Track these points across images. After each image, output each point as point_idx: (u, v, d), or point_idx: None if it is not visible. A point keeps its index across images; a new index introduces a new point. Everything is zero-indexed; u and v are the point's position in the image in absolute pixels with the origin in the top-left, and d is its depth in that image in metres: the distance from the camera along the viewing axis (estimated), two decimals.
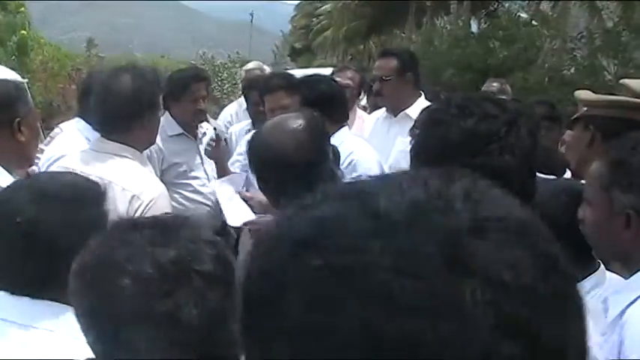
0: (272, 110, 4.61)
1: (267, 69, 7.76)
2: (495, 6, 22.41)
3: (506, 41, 15.75)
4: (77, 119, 4.45)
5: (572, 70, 12.83)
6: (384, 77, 4.90)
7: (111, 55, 27.37)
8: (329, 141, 2.35)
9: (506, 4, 22.76)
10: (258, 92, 4.91)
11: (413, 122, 4.52)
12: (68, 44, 24.54)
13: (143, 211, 3.06)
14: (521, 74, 13.54)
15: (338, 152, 2.40)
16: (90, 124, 4.14)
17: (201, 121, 5.17)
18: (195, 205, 4.95)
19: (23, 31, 14.65)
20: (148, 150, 4.92)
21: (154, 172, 4.91)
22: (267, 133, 2.32)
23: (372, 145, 4.61)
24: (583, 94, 3.20)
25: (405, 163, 4.73)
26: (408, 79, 4.91)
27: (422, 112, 3.72)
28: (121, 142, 3.25)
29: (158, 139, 4.99)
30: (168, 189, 4.97)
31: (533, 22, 16.03)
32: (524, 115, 1.58)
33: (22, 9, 15.14)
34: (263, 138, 2.31)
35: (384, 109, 5.20)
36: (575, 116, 3.20)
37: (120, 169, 3.19)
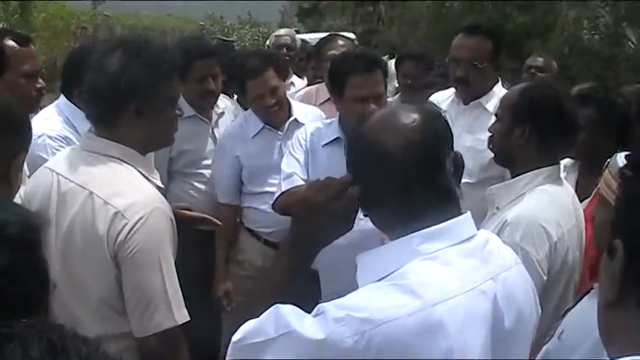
0: (261, 97, 4.16)
1: (299, 39, 7.36)
2: None
3: (523, 7, 15.32)
4: (61, 96, 3.86)
5: (595, 39, 12.37)
6: (477, 63, 4.05)
7: (117, 14, 26.84)
8: (449, 147, 1.83)
9: None
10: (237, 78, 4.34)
11: (489, 116, 4.03)
12: (73, 2, 24.04)
13: (128, 233, 2.41)
14: (540, 42, 13.11)
15: (462, 163, 1.86)
16: (72, 102, 3.72)
17: (213, 102, 4.60)
18: (205, 198, 4.46)
19: None
20: None
21: (159, 166, 4.41)
22: (370, 128, 1.81)
23: None
24: None
25: (471, 163, 3.91)
26: (498, 65, 4.17)
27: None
28: (110, 139, 2.56)
29: None
30: (176, 179, 4.52)
31: None
32: None
33: None
34: (365, 134, 1.81)
35: (451, 90, 4.38)
36: None
37: (104, 176, 2.52)
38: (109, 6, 29.51)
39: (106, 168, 2.54)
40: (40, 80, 3.66)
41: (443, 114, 1.88)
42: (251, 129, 4.30)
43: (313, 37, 12.81)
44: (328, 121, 3.99)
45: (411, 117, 1.77)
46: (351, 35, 13.08)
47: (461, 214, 1.78)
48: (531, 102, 2.98)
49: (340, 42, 5.24)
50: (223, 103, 4.73)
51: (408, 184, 1.71)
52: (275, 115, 4.20)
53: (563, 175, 3.38)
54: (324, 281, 3.69)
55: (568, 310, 2.46)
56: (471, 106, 4.13)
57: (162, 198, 2.59)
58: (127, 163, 2.56)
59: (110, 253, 2.44)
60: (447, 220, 1.73)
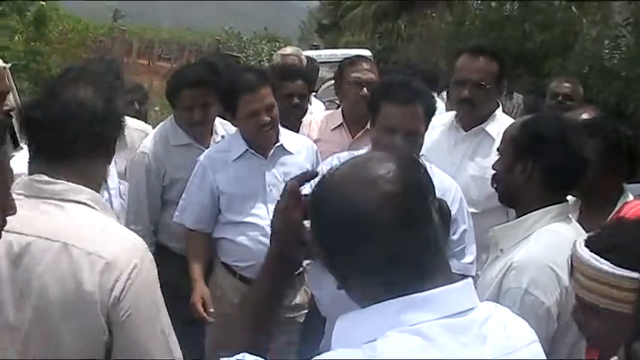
0: (256, 113, 3.84)
1: (304, 57, 7.05)
2: None
3: (542, 25, 15.12)
4: None
5: (616, 59, 12.13)
6: (483, 83, 3.91)
7: (136, 27, 26.87)
8: (433, 196, 1.57)
9: None
10: (232, 93, 3.94)
11: (492, 142, 3.81)
12: (91, 15, 24.13)
13: (125, 285, 2.10)
14: (560, 61, 12.90)
15: (448, 211, 1.60)
16: None
17: (205, 131, 4.37)
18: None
19: (42, 1, 14.20)
20: (146, 162, 4.19)
21: (153, 195, 4.14)
22: (339, 179, 1.56)
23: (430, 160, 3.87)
24: None
25: (475, 193, 3.80)
26: (502, 88, 4.05)
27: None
28: (72, 181, 2.21)
29: (161, 150, 4.27)
30: (170, 207, 4.24)
31: (572, 9, 15.31)
32: None
33: None
34: (332, 186, 1.56)
35: (449, 114, 4.22)
36: None
37: (75, 223, 2.16)
38: (131, 19, 29.63)
39: (75, 215, 2.19)
40: (9, 101, 3.45)
41: (420, 159, 1.64)
42: (233, 152, 3.99)
43: (324, 55, 12.67)
44: (358, 153, 3.62)
45: (385, 166, 1.53)
46: (367, 52, 12.94)
47: (453, 279, 1.52)
48: (533, 134, 2.75)
49: (365, 65, 4.84)
50: (224, 128, 4.48)
51: (389, 247, 1.47)
52: (267, 137, 3.94)
53: None
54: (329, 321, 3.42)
55: None
56: (472, 133, 3.96)
57: (143, 242, 2.29)
58: (95, 208, 2.24)
59: (102, 312, 2.10)
60: (437, 286, 1.47)
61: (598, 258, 2.07)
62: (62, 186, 2.20)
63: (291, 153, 4.08)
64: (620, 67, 11.86)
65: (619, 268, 2.05)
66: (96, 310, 2.09)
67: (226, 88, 4.00)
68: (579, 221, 3.30)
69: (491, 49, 4.09)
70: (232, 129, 4.42)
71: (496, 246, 2.81)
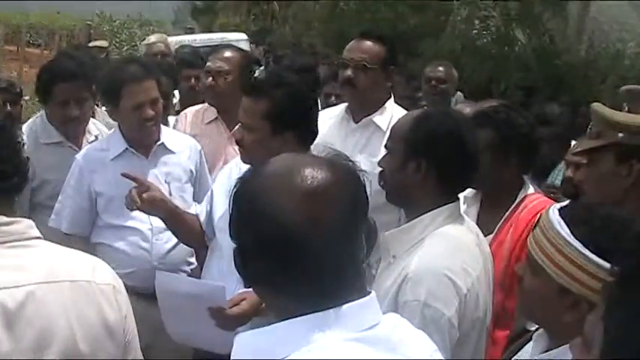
0: (139, 106, 3.58)
1: (172, 43, 6.74)
2: None
3: (415, 7, 15.38)
4: None
5: (486, 40, 12.49)
6: (366, 64, 3.81)
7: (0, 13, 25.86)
8: (364, 215, 1.46)
9: None
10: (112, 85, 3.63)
11: (382, 134, 3.60)
12: None
13: (126, 306, 2.04)
14: (433, 42, 13.16)
15: (374, 230, 1.49)
16: None
17: (81, 128, 4.10)
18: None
19: None
20: None
21: (21, 198, 3.86)
22: (260, 183, 1.43)
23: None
24: (617, 116, 2.56)
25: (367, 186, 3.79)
26: (389, 75, 3.92)
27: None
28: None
29: (29, 148, 3.86)
30: (39, 212, 3.84)
31: None
32: None
33: None
34: (252, 192, 1.43)
35: (340, 106, 4.06)
36: (601, 144, 2.60)
37: (61, 258, 1.97)
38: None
39: (46, 249, 1.94)
40: None
41: (361, 174, 1.51)
42: (112, 151, 3.72)
43: (200, 39, 12.50)
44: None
45: (317, 175, 1.41)
46: (243, 36, 12.84)
47: (367, 293, 1.45)
48: (427, 133, 2.56)
49: (226, 54, 4.51)
50: (97, 127, 4.23)
51: (307, 262, 1.37)
52: (150, 133, 3.70)
53: (463, 208, 2.95)
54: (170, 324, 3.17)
55: None
56: (362, 125, 3.86)
57: None
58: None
59: (122, 339, 2.00)
60: (348, 301, 1.40)
61: (563, 225, 1.96)
62: (22, 224, 1.92)
63: (173, 152, 3.84)
64: (490, 46, 12.20)
65: (584, 248, 1.92)
66: (119, 340, 1.99)
67: (109, 77, 3.73)
68: (480, 214, 3.28)
69: (379, 33, 4.04)
70: (105, 130, 4.23)
71: (387, 251, 2.63)
